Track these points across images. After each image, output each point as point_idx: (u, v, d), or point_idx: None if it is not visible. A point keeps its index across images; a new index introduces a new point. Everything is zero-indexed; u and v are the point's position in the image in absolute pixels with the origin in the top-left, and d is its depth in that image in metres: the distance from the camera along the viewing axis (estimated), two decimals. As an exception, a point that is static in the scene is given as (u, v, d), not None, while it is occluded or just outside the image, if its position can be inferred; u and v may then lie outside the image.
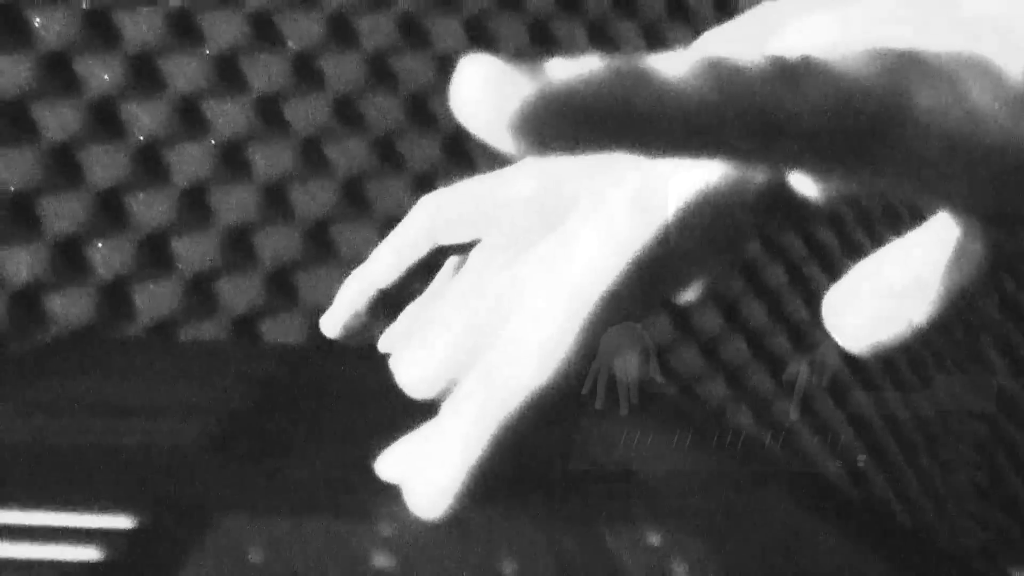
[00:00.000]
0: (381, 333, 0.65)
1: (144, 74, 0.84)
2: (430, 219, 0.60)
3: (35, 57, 0.81)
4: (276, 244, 0.88)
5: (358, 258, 0.87)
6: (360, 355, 0.56)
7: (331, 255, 0.89)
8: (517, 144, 0.23)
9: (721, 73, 0.24)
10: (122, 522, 0.25)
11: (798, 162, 0.26)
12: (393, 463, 0.31)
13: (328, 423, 0.40)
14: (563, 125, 0.23)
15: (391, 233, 0.61)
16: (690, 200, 0.27)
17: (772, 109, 0.24)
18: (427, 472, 0.28)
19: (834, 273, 1.08)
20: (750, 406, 1.04)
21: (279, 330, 0.88)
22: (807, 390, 1.07)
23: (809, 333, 1.07)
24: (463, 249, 0.61)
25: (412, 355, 0.33)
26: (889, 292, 0.28)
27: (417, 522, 0.27)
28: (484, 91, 0.23)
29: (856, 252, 1.10)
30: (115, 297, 0.83)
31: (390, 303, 0.63)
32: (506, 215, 0.58)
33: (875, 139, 0.24)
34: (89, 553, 0.23)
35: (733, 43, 0.60)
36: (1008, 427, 1.19)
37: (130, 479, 0.29)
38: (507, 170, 0.61)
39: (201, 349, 0.59)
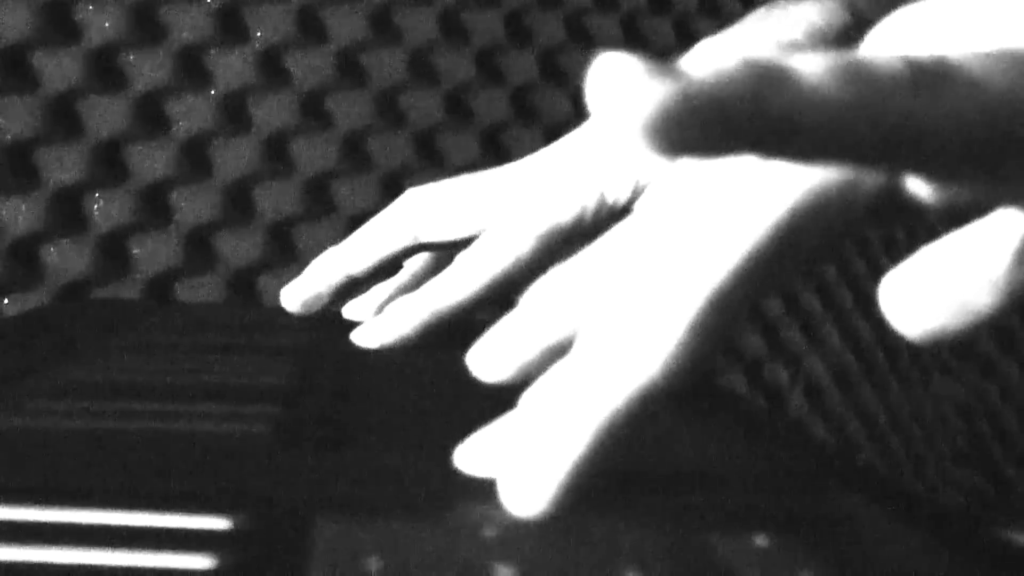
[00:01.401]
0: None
1: (145, 24, 0.83)
2: (414, 214, 0.59)
3: (36, 5, 0.79)
4: (276, 199, 0.87)
5: (359, 214, 0.86)
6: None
7: (332, 211, 0.88)
8: (652, 146, 0.22)
9: (859, 76, 0.23)
10: (219, 524, 0.24)
11: (926, 168, 0.26)
12: (477, 455, 0.30)
13: (390, 406, 0.39)
14: (700, 127, 0.22)
15: (370, 221, 0.60)
16: (807, 198, 0.26)
17: (910, 117, 0.23)
18: (526, 466, 0.26)
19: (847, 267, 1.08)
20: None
21: (278, 287, 0.87)
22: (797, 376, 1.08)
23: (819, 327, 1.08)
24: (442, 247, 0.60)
25: (491, 336, 0.32)
26: (955, 281, 0.27)
27: (530, 525, 0.26)
28: (620, 91, 0.22)
29: (861, 244, 1.10)
30: (112, 250, 0.82)
31: (356, 289, 0.62)
32: (502, 214, 0.57)
33: (1014, 151, 0.24)
34: (197, 561, 0.22)
35: (749, 43, 0.59)
36: (991, 393, 1.21)
37: (208, 472, 0.28)
38: (500, 169, 0.60)
39: (240, 321, 0.58)
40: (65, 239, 0.80)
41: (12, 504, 0.24)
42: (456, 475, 0.29)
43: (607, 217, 0.56)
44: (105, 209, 0.82)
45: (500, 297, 0.55)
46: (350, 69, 0.89)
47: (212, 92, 0.84)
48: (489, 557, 0.23)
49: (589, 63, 0.22)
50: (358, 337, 0.54)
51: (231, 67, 0.85)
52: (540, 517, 0.26)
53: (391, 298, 0.63)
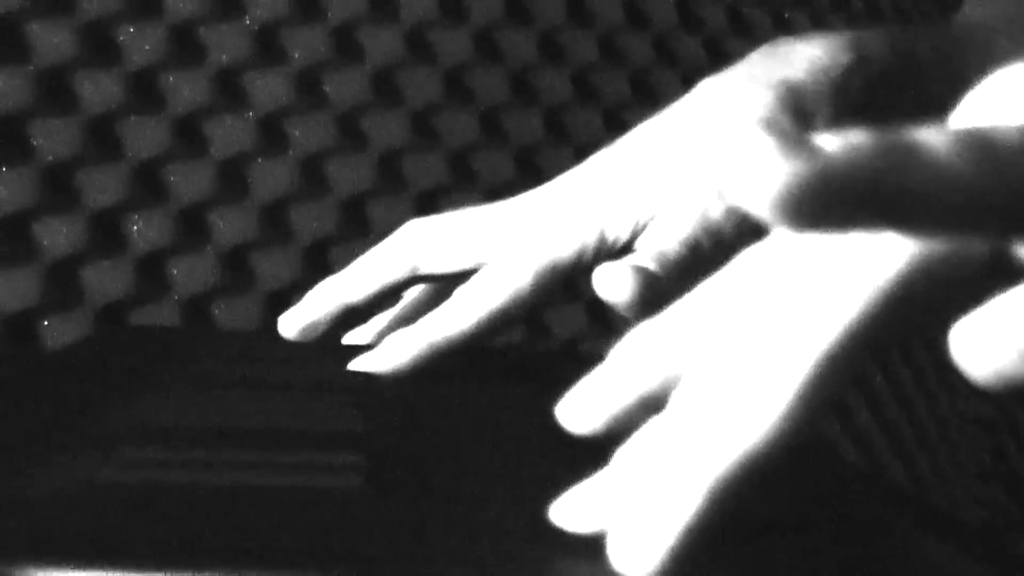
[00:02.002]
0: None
1: (185, 45, 0.83)
2: (414, 246, 0.59)
3: (75, 27, 0.79)
4: (312, 219, 0.87)
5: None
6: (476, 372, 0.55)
7: (368, 231, 0.88)
8: (781, 221, 0.23)
9: (984, 150, 0.23)
10: None
11: None
12: (576, 511, 0.30)
13: (467, 450, 0.39)
14: (832, 204, 0.22)
15: (370, 251, 0.60)
16: (918, 266, 0.27)
17: None
18: (636, 527, 0.26)
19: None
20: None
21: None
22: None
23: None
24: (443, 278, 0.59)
25: (582, 388, 0.32)
26: None
27: None
28: (752, 168, 0.22)
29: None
30: (151, 271, 0.82)
31: (356, 319, 0.62)
32: (502, 248, 0.57)
33: None
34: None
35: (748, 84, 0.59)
36: (1015, 409, 1.21)
37: (301, 532, 0.28)
38: (502, 204, 0.60)
39: (293, 352, 0.58)
40: (104, 260, 0.80)
41: (119, 568, 0.24)
42: (551, 530, 0.29)
43: (606, 255, 0.56)
44: (144, 230, 0.82)
45: (497, 332, 0.56)
46: (385, 88, 0.89)
47: (250, 113, 0.85)
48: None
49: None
50: (355, 367, 0.54)
51: (268, 88, 0.85)
52: None
53: (390, 328, 0.62)
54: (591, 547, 0.28)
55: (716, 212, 0.56)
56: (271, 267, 0.86)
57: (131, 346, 0.62)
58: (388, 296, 0.61)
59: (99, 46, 0.80)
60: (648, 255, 0.55)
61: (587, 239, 0.56)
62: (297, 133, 0.86)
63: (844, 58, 0.58)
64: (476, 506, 0.31)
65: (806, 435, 0.27)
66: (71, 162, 0.79)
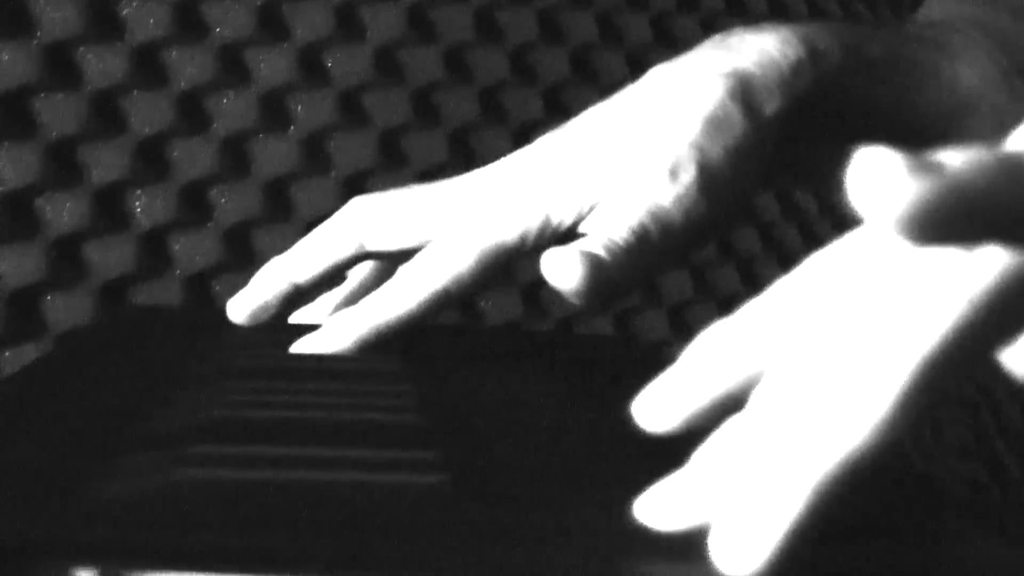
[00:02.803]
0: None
1: (189, 21, 0.82)
2: (360, 223, 0.59)
3: (79, 2, 0.78)
4: (314, 196, 0.87)
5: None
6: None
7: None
8: (908, 236, 0.23)
9: None
10: None
11: None
12: (663, 508, 0.29)
13: (534, 445, 0.40)
14: (957, 218, 0.23)
15: (316, 230, 0.60)
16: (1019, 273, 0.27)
17: None
18: (742, 526, 0.26)
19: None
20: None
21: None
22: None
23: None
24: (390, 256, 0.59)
25: (659, 386, 0.32)
26: None
27: None
28: (881, 186, 0.23)
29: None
30: (154, 248, 0.82)
31: (303, 299, 0.61)
32: (453, 224, 0.57)
33: None
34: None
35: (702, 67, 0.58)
36: (997, 389, 1.22)
37: (395, 533, 0.28)
38: (450, 182, 0.60)
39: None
40: (107, 236, 0.80)
41: (224, 570, 0.24)
42: (638, 528, 0.29)
43: (550, 238, 0.56)
44: (146, 206, 0.82)
45: (439, 313, 0.55)
46: (387, 66, 0.89)
47: (253, 90, 0.84)
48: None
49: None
50: (298, 349, 0.54)
51: (271, 65, 0.85)
52: None
53: (335, 308, 0.62)
54: (678, 545, 0.28)
55: (664, 199, 0.55)
56: (273, 244, 0.85)
57: (158, 329, 0.62)
58: (335, 274, 0.60)
59: (103, 21, 0.80)
60: (596, 241, 0.54)
61: (531, 222, 0.56)
62: (299, 109, 0.86)
63: (795, 52, 0.58)
64: (559, 505, 0.31)
65: (899, 444, 0.27)
66: (74, 138, 0.79)
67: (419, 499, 0.30)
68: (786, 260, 1.06)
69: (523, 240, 0.56)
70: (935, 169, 0.23)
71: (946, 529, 0.32)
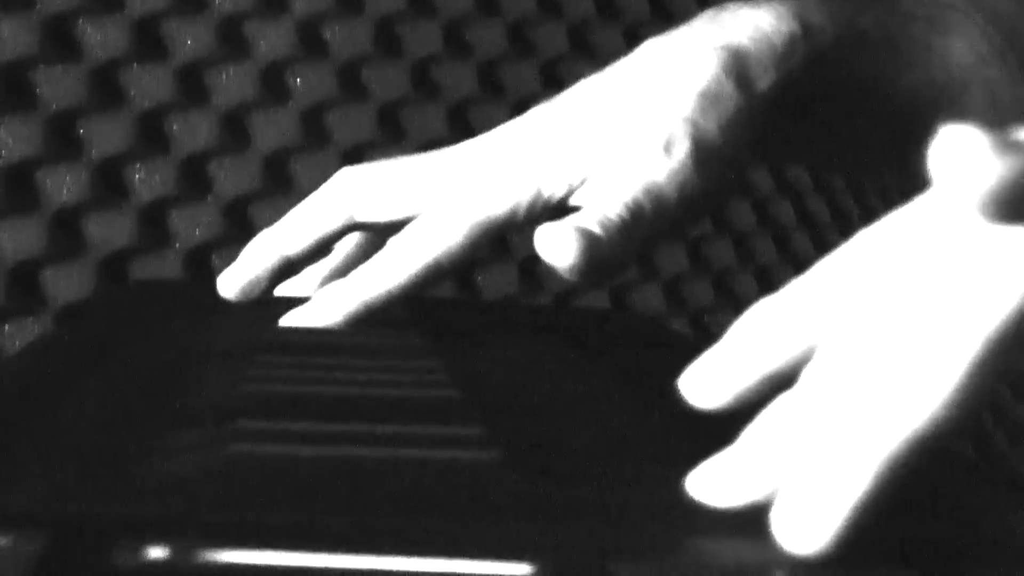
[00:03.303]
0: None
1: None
2: (350, 194, 0.58)
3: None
4: (313, 170, 0.86)
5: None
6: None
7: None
8: (988, 215, 0.23)
9: None
10: (522, 570, 0.25)
11: None
12: (716, 484, 0.29)
13: (576, 420, 0.39)
14: None
15: (305, 201, 0.59)
16: None
17: None
18: (804, 501, 0.26)
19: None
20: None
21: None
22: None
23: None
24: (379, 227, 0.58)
25: (707, 362, 0.32)
26: None
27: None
28: (964, 164, 0.23)
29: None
30: (153, 221, 0.82)
31: (291, 272, 0.60)
32: (443, 196, 0.56)
33: None
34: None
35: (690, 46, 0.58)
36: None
37: (453, 508, 0.28)
38: (440, 153, 0.59)
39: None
40: (107, 210, 0.80)
41: (279, 548, 0.24)
42: (692, 504, 0.29)
43: (541, 211, 0.55)
44: (146, 180, 0.81)
45: (429, 286, 0.55)
46: (386, 40, 0.89)
47: (252, 64, 0.84)
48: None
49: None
50: (288, 321, 0.54)
51: (270, 38, 0.85)
52: (819, 555, 0.26)
53: (324, 281, 0.62)
54: (735, 523, 0.28)
55: (658, 174, 0.55)
56: (272, 217, 0.84)
57: (165, 302, 0.62)
58: (324, 246, 0.60)
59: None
60: (591, 217, 0.54)
61: (522, 195, 0.55)
62: (298, 83, 0.86)
63: (788, 27, 0.58)
64: (612, 481, 0.31)
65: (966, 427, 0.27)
66: (74, 111, 0.79)
67: (474, 476, 0.30)
68: (781, 235, 1.07)
69: (514, 213, 0.55)
70: (1020, 149, 0.23)
71: (990, 503, 0.33)
